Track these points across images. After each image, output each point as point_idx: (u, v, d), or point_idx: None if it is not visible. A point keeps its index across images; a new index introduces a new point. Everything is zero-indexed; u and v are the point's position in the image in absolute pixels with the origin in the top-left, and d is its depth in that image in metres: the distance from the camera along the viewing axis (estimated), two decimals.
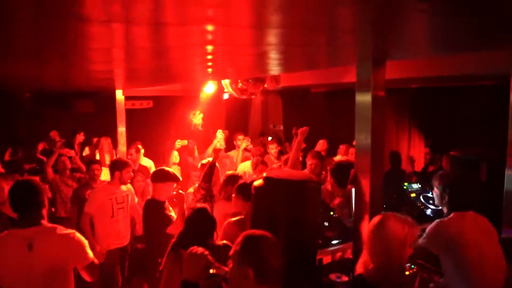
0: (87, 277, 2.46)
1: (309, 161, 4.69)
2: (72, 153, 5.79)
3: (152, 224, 4.02)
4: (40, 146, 7.37)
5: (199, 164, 4.57)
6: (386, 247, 1.89)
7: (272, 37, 1.74)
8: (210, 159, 4.31)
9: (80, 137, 7.43)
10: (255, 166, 5.03)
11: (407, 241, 1.91)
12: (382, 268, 1.91)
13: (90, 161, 5.05)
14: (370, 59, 2.41)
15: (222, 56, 2.61)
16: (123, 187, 4.26)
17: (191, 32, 1.61)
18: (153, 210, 3.93)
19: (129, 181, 4.35)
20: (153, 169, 5.99)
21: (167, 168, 4.22)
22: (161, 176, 3.91)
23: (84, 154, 7.13)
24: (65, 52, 2.08)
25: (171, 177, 3.91)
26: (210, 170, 4.02)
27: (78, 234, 2.41)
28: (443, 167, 5.47)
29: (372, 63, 2.45)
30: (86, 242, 2.45)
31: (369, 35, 1.73)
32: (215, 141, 5.86)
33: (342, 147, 6.35)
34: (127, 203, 4.27)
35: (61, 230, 2.38)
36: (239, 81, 5.40)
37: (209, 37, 1.74)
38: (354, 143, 5.80)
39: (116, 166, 4.23)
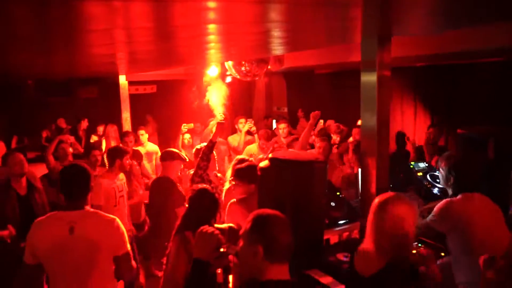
0: (124, 272, 2.47)
1: (318, 144, 4.69)
2: (71, 139, 5.76)
3: (160, 201, 4.08)
4: (44, 134, 7.40)
5: (194, 149, 4.50)
6: (391, 228, 1.87)
7: (275, 13, 1.71)
8: (205, 144, 4.13)
9: (84, 124, 7.45)
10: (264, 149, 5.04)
11: (413, 221, 1.89)
12: (387, 250, 1.89)
13: (90, 147, 5.02)
14: (375, 36, 2.36)
15: (225, 36, 2.57)
16: (120, 175, 4.23)
17: (193, 10, 1.58)
18: (163, 187, 4.05)
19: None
20: (158, 153, 6.01)
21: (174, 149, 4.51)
22: (169, 155, 4.31)
23: (92, 141, 7.14)
24: (66, 35, 2.06)
25: (178, 157, 4.30)
26: (210, 148, 3.96)
27: (118, 221, 2.45)
28: (448, 146, 5.43)
29: (378, 39, 2.41)
30: (125, 230, 2.48)
31: (374, 8, 1.69)
32: (212, 123, 5.84)
33: (355, 130, 6.34)
34: (125, 190, 4.25)
35: (103, 216, 2.43)
36: (243, 62, 5.35)
37: (212, 15, 1.71)
38: (358, 123, 5.82)
39: (117, 154, 4.17)
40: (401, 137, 5.89)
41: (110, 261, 2.41)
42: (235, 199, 3.30)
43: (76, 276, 2.31)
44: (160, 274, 4.45)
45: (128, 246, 2.46)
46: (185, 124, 5.92)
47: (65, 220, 2.30)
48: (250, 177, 3.20)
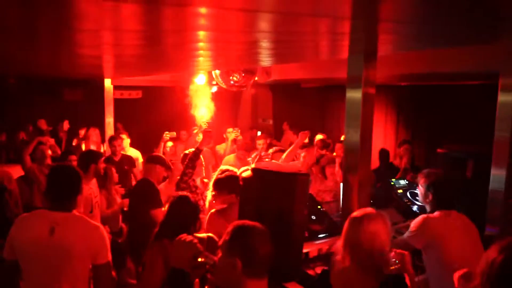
0: (103, 283, 2.37)
1: (303, 153, 4.71)
2: (51, 141, 5.64)
3: (136, 203, 4.01)
4: (20, 135, 7.25)
5: (182, 154, 4.45)
6: (368, 244, 1.85)
7: (264, 22, 1.72)
8: (192, 149, 4.10)
9: (65, 125, 7.31)
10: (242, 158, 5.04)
11: (387, 238, 1.89)
12: (361, 265, 1.86)
13: (66, 152, 4.86)
14: (361, 52, 2.40)
15: (213, 43, 2.58)
16: (92, 180, 4.06)
17: (182, 15, 1.58)
18: (141, 189, 4.02)
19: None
20: (140, 159, 5.94)
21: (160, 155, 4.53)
22: (153, 159, 4.28)
23: (74, 144, 7.02)
24: (52, 32, 2.03)
25: (163, 163, 4.25)
26: (196, 155, 3.93)
27: (103, 229, 2.39)
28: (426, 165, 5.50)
29: (364, 56, 2.45)
30: (107, 239, 2.41)
31: (362, 24, 1.72)
32: (196, 131, 5.83)
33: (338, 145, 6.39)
34: (99, 196, 4.12)
35: (87, 221, 2.36)
36: (230, 72, 5.36)
37: (201, 21, 1.71)
38: (341, 138, 5.87)
39: (91, 158, 3.98)
40: (384, 154, 5.95)
41: (87, 269, 2.33)
42: (214, 209, 3.27)
43: (48, 278, 2.25)
44: (133, 281, 4.37)
45: (110, 256, 2.38)
46: (167, 132, 5.88)
47: (48, 220, 2.24)
48: (230, 187, 3.18)
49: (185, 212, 2.70)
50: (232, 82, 5.45)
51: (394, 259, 1.98)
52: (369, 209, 2.00)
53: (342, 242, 1.96)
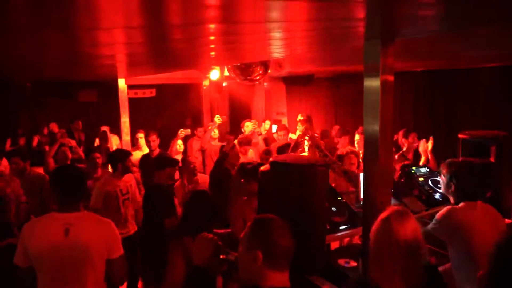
0: (115, 274, 2.45)
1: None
2: (73, 142, 5.74)
3: (151, 212, 4.02)
4: (36, 139, 7.38)
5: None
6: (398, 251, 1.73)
7: (276, 11, 1.67)
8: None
9: (77, 125, 7.43)
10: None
11: (420, 238, 1.81)
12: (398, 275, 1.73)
13: (90, 150, 4.97)
14: (378, 37, 2.33)
15: (225, 37, 2.54)
16: (126, 177, 4.19)
17: (193, 7, 1.54)
18: (156, 196, 3.99)
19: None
20: None
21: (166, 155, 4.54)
22: (161, 163, 4.16)
23: (95, 145, 7.11)
24: (65, 32, 2.02)
25: (170, 163, 4.20)
26: (223, 157, 4.00)
27: (113, 224, 2.45)
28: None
29: (381, 41, 2.37)
30: (118, 234, 2.49)
31: (378, 7, 1.65)
32: (211, 127, 5.88)
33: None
34: (131, 193, 4.22)
35: (98, 218, 2.44)
36: (243, 66, 5.33)
37: (212, 13, 1.67)
38: (358, 130, 5.79)
39: (118, 157, 4.15)
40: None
41: (103, 264, 2.38)
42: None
43: (68, 279, 2.27)
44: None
45: (122, 249, 2.45)
46: (182, 130, 5.90)
47: (61, 222, 2.27)
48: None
49: (203, 208, 2.67)
50: (244, 75, 5.41)
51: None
52: (395, 208, 1.92)
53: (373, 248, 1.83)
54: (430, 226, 2.66)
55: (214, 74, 6.67)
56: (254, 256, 1.55)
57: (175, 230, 2.74)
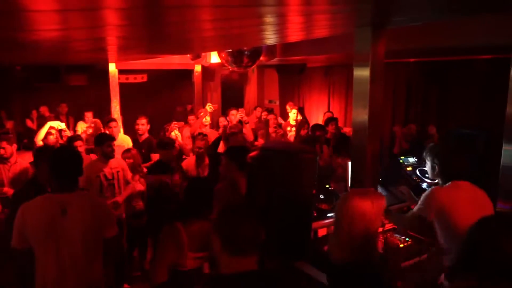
0: (113, 254, 2.50)
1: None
2: (63, 125, 5.64)
3: (153, 201, 4.03)
4: (28, 123, 7.33)
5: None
6: (350, 223, 1.86)
7: None
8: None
9: (61, 109, 7.37)
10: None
11: (376, 215, 1.88)
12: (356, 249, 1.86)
13: (72, 138, 4.83)
14: (369, 24, 2.33)
15: (218, 22, 2.51)
16: (113, 163, 4.13)
17: None
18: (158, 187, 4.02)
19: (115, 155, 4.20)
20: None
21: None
22: (164, 144, 4.30)
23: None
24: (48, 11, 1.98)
25: (171, 145, 4.33)
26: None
27: (107, 204, 2.55)
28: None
29: (372, 28, 2.37)
30: (113, 214, 2.56)
31: None
32: (202, 114, 5.86)
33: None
34: (117, 179, 4.14)
35: (93, 198, 2.52)
36: (235, 52, 5.29)
37: None
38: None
39: (98, 142, 4.12)
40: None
41: (100, 243, 2.42)
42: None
43: (67, 257, 2.29)
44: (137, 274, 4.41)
45: (117, 228, 2.49)
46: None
47: (57, 202, 2.28)
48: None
49: (199, 195, 2.63)
50: (236, 61, 5.38)
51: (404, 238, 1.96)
52: (370, 189, 1.98)
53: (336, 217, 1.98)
54: (415, 207, 2.68)
55: (206, 60, 6.62)
56: (217, 244, 1.60)
57: (169, 215, 2.73)
